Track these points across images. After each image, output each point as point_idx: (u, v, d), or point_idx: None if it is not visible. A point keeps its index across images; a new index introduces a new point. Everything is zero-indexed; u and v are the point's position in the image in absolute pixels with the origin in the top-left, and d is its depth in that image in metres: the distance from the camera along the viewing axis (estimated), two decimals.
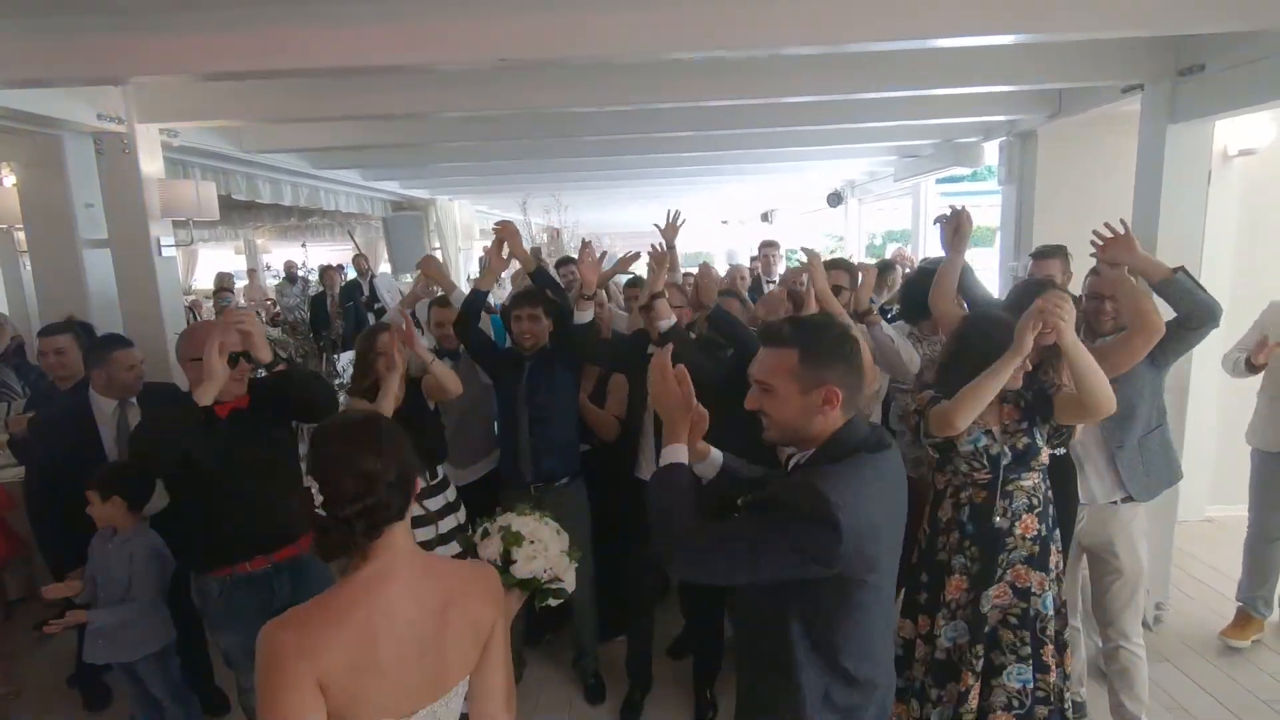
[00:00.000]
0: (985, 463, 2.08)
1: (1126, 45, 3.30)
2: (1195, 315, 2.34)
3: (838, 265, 3.10)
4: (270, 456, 2.26)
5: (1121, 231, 2.37)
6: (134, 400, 2.78)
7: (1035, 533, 2.09)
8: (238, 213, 8.23)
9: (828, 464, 1.34)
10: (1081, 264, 2.80)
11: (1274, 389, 3.10)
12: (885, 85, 3.52)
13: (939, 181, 8.14)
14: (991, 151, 5.68)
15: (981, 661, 2.08)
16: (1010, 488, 2.08)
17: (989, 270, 6.10)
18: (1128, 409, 2.37)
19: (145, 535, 2.44)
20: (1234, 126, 3.98)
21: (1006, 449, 2.07)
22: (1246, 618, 3.19)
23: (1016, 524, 2.08)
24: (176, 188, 3.72)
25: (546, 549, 1.45)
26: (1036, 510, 2.10)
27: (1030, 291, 2.28)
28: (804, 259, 2.77)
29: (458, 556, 2.65)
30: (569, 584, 1.51)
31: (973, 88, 3.63)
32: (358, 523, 1.09)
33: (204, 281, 11.67)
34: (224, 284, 8.14)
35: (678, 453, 1.40)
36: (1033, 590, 2.08)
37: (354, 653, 1.07)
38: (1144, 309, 2.26)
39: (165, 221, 3.72)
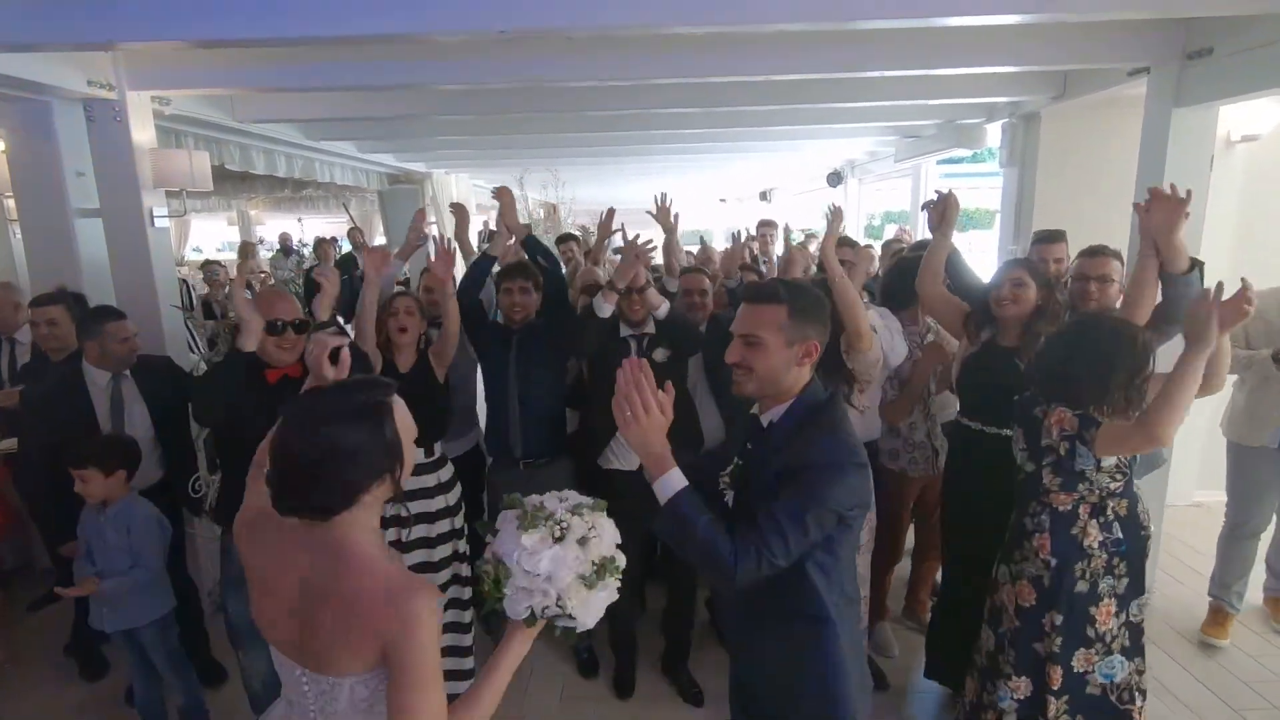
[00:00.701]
0: (1124, 469, 2.00)
1: (1134, 27, 3.26)
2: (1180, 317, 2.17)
3: (841, 243, 3.07)
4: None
5: (1181, 195, 2.11)
6: (128, 373, 2.77)
7: None
8: (231, 183, 8.12)
9: (813, 416, 1.48)
10: (1076, 248, 2.80)
11: (1255, 381, 3.04)
12: (889, 64, 3.47)
13: (940, 163, 8.08)
14: (994, 133, 5.63)
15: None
16: (1136, 489, 2.04)
17: (988, 253, 6.09)
18: None
19: (139, 504, 2.44)
20: (1238, 112, 3.95)
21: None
22: (1221, 613, 3.17)
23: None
24: (169, 157, 3.66)
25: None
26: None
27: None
28: (799, 239, 2.78)
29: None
30: (582, 614, 1.20)
31: (977, 68, 3.58)
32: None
33: (197, 252, 11.60)
34: (248, 253, 8.35)
35: (673, 479, 1.35)
36: None
37: None
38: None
39: (158, 191, 3.66)
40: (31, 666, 3.19)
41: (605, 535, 1.22)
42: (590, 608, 1.19)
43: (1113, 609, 2.00)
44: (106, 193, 3.56)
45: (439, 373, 2.73)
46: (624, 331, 2.84)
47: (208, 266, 7.06)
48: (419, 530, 2.61)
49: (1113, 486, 1.99)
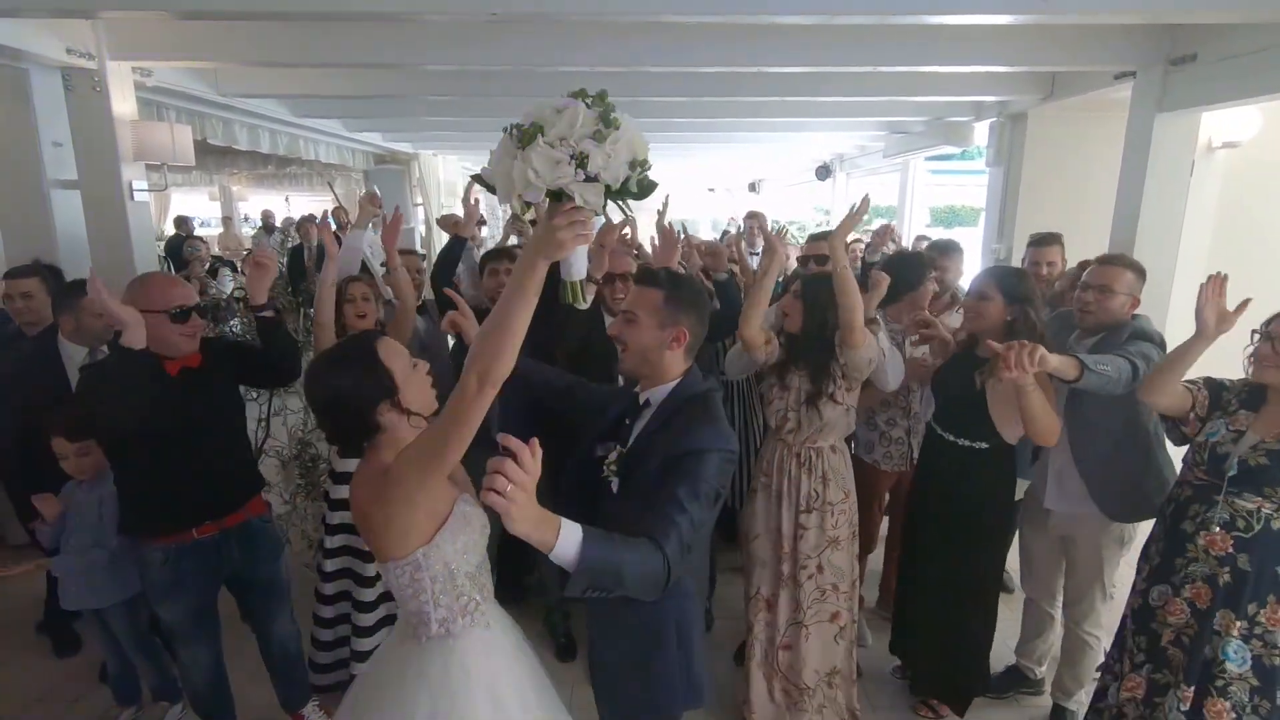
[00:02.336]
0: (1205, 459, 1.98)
1: (1122, 31, 3.29)
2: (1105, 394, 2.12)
3: (824, 237, 3.07)
4: (222, 418, 2.18)
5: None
6: (105, 349, 2.73)
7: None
8: (213, 157, 8.00)
9: (691, 404, 1.57)
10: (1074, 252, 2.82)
11: None
12: (879, 60, 3.49)
13: (928, 159, 8.14)
14: (981, 132, 5.67)
15: None
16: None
17: (973, 251, 6.15)
18: (1083, 420, 2.33)
19: (109, 481, 2.39)
20: (1219, 119, 4.01)
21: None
22: None
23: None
24: (150, 130, 3.60)
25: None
26: None
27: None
28: (794, 235, 2.79)
29: None
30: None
31: (967, 66, 3.61)
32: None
33: (174, 228, 11.38)
34: (267, 220, 8.58)
35: (568, 536, 1.21)
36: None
37: None
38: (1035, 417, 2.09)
39: (138, 164, 3.60)
40: (3, 644, 3.15)
41: (565, 125, 1.05)
42: (499, 163, 1.08)
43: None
44: (85, 164, 3.50)
45: None
46: (609, 320, 2.84)
47: (188, 242, 6.97)
48: None
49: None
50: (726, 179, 14.72)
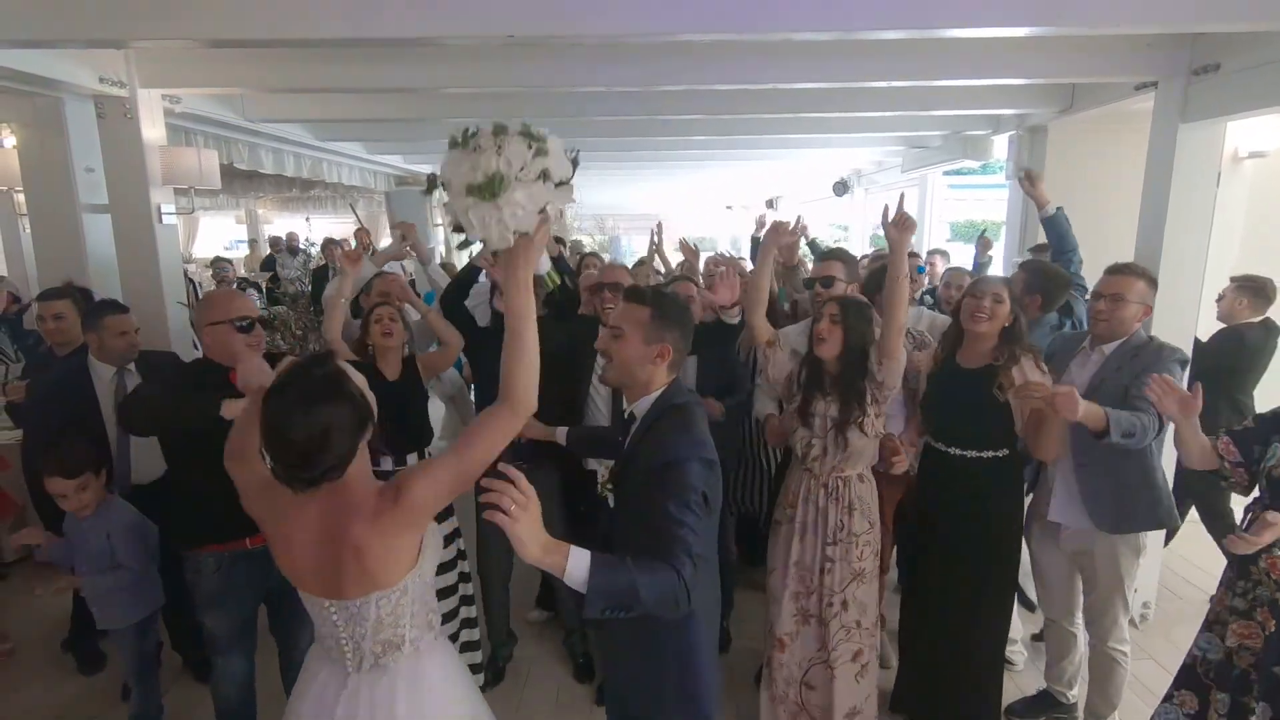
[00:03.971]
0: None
1: (1142, 41, 3.26)
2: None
3: (834, 256, 2.95)
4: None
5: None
6: (132, 368, 2.78)
7: None
8: (239, 181, 8.15)
9: (669, 413, 1.61)
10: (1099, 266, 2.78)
11: None
12: (896, 75, 3.47)
13: (946, 174, 8.09)
14: (1000, 145, 5.64)
15: None
16: None
17: (995, 266, 6.09)
18: (1084, 430, 2.25)
19: (116, 509, 2.42)
20: (1245, 128, 3.95)
21: None
22: None
23: None
24: (178, 155, 3.69)
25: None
26: None
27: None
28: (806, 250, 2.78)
29: None
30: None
31: (985, 79, 3.59)
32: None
33: (202, 250, 11.64)
34: (290, 243, 8.40)
35: (578, 560, 1.25)
36: None
37: None
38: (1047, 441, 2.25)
39: (166, 188, 3.69)
40: (30, 659, 3.19)
41: (514, 157, 1.17)
42: (487, 224, 1.18)
43: None
44: (115, 189, 3.59)
45: (425, 379, 2.78)
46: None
47: (216, 263, 7.11)
48: None
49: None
50: (745, 196, 14.73)
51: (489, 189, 1.15)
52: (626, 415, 1.71)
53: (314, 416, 1.26)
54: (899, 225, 2.23)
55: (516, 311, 1.36)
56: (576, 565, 1.25)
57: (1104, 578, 2.44)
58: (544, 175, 1.20)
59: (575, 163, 1.28)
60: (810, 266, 5.27)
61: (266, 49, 3.37)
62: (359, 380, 1.38)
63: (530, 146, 1.19)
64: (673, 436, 1.55)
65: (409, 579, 1.39)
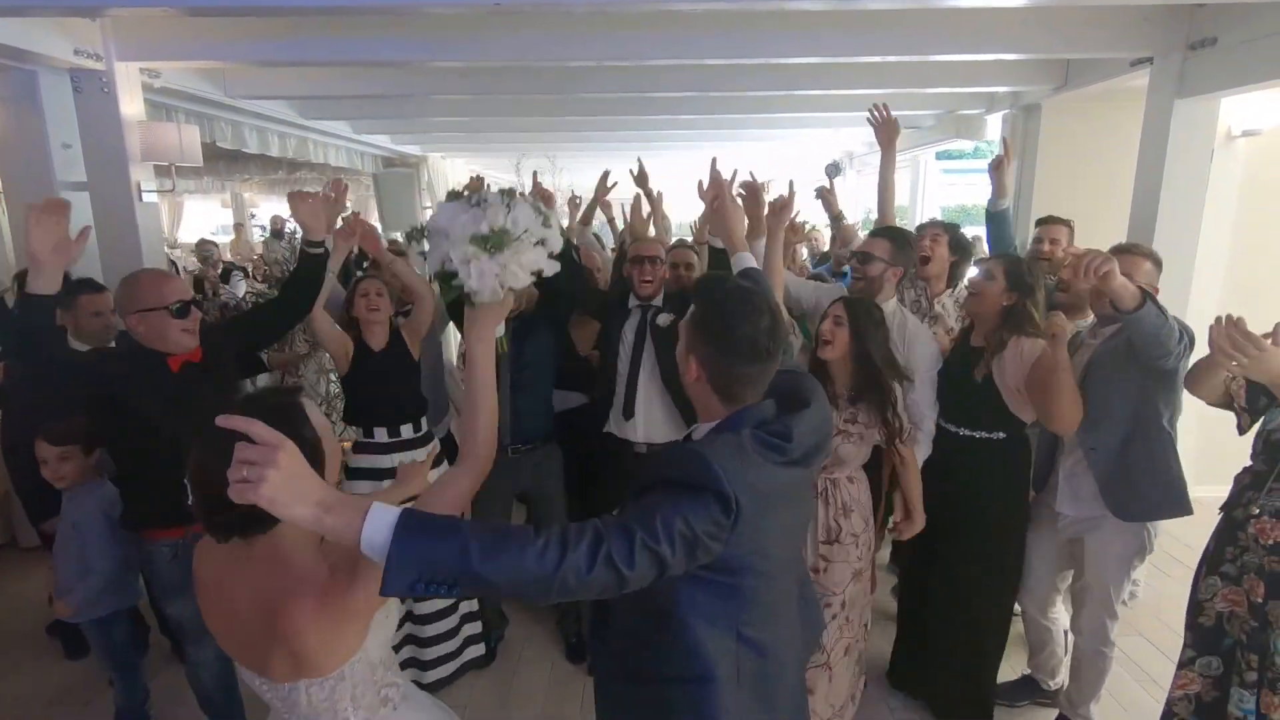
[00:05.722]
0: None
1: (1138, 16, 3.23)
2: (1150, 349, 2.05)
3: (882, 233, 2.74)
4: (227, 410, 2.17)
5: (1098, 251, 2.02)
6: (112, 348, 2.72)
7: None
8: (224, 163, 8.04)
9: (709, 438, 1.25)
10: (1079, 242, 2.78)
11: None
12: (889, 49, 3.43)
13: (939, 157, 8.05)
14: (994, 125, 5.60)
15: None
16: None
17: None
18: (1092, 412, 2.23)
19: (95, 493, 2.36)
20: (1239, 106, 3.93)
21: None
22: None
23: None
24: (158, 130, 3.60)
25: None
26: None
27: None
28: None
29: None
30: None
31: (978, 54, 3.55)
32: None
33: (188, 235, 11.47)
34: (275, 226, 7.89)
35: (380, 524, 0.97)
36: None
37: None
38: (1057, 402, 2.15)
39: (146, 165, 3.61)
40: (15, 643, 3.15)
41: (520, 219, 1.21)
42: (484, 276, 1.19)
43: None
44: (93, 166, 3.50)
45: (413, 349, 2.75)
46: (631, 302, 2.83)
47: (202, 245, 7.01)
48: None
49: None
50: (736, 179, 14.63)
51: (495, 241, 1.16)
52: (684, 437, 1.41)
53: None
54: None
55: (478, 361, 1.28)
56: (376, 527, 0.95)
57: (1095, 570, 2.38)
58: (542, 242, 1.23)
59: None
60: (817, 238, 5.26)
61: (247, 20, 3.28)
62: (320, 424, 1.18)
63: (538, 213, 1.24)
64: (685, 456, 1.17)
65: (347, 666, 1.18)
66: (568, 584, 1.02)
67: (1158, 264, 2.36)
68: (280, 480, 0.90)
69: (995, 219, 3.33)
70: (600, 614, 1.43)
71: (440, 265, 1.22)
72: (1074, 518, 2.40)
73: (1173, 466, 2.28)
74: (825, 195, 4.15)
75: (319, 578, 1.12)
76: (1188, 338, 2.06)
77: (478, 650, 2.93)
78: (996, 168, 3.27)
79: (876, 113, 3.13)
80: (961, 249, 3.05)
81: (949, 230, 3.04)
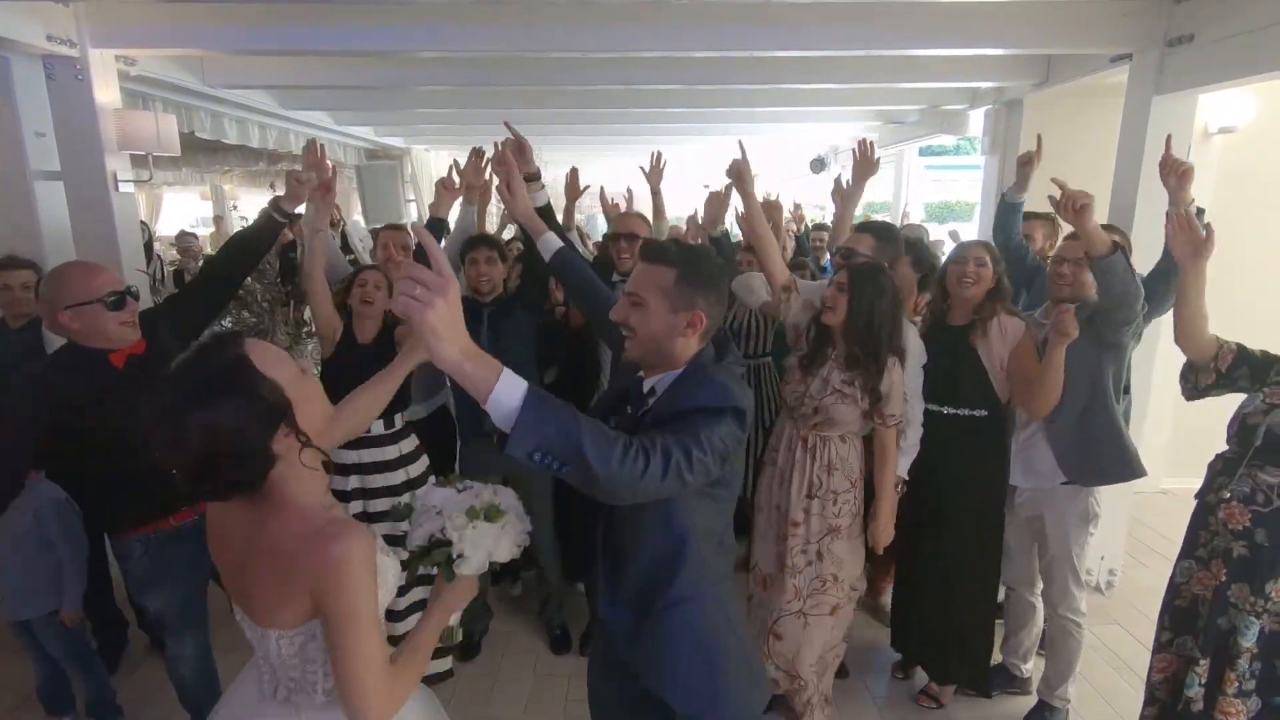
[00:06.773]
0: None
1: (1118, 12, 3.26)
2: (1118, 304, 2.22)
3: (867, 229, 2.73)
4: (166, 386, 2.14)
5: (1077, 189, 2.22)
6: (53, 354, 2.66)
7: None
8: (204, 154, 7.92)
9: (693, 373, 1.42)
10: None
11: None
12: (872, 44, 3.44)
13: (922, 154, 8.10)
14: (976, 120, 5.64)
15: None
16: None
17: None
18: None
19: (44, 488, 2.30)
20: (1215, 103, 3.99)
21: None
22: None
23: None
24: (134, 119, 3.53)
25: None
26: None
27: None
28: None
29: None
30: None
31: (961, 49, 3.57)
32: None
33: (167, 228, 11.30)
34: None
35: (513, 389, 1.04)
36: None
37: None
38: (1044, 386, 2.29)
39: (123, 155, 3.54)
40: None
41: (506, 502, 1.32)
42: (478, 546, 1.25)
43: None
44: (68, 155, 3.43)
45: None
46: (614, 277, 2.83)
47: (182, 237, 6.90)
48: (381, 504, 2.57)
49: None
50: (722, 174, 14.63)
51: (490, 514, 1.26)
52: (647, 390, 1.46)
53: (191, 423, 1.03)
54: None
55: (425, 646, 1.27)
56: (508, 390, 1.01)
57: (1055, 543, 2.48)
58: (505, 525, 1.32)
59: None
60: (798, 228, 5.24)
61: (226, 7, 3.23)
62: (284, 370, 1.13)
63: (519, 500, 1.36)
64: (702, 386, 1.34)
65: (317, 624, 1.14)
66: (647, 489, 1.16)
67: (1123, 244, 2.42)
68: (444, 313, 0.93)
69: (1009, 209, 3.39)
70: (613, 577, 1.51)
71: (428, 539, 1.26)
72: (1028, 494, 2.50)
73: (1125, 433, 2.43)
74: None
75: (318, 515, 1.14)
76: (1147, 307, 2.20)
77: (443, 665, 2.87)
78: (1025, 164, 3.34)
79: (860, 149, 3.03)
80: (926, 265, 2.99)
81: (991, 248, 2.77)
